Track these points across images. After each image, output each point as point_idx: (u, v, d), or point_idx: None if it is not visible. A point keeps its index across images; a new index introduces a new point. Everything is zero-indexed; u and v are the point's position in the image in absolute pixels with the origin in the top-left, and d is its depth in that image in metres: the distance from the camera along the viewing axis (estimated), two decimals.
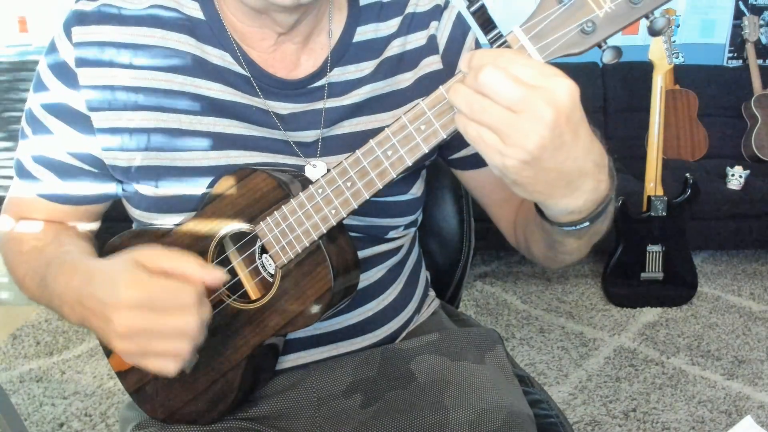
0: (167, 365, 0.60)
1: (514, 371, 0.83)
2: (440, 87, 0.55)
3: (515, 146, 0.49)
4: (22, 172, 0.78)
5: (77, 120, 0.73)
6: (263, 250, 0.68)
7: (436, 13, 0.81)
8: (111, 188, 0.78)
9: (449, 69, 0.80)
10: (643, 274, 2.50)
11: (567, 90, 0.48)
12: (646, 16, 0.51)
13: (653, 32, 0.51)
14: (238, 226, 0.68)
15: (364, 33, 0.79)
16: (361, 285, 0.78)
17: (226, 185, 0.69)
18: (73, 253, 0.72)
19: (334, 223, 0.63)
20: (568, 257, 0.71)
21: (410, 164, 0.58)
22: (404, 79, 0.80)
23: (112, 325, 0.58)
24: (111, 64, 0.72)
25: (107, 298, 0.59)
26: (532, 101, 0.48)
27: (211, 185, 0.73)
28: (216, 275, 0.61)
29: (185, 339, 0.59)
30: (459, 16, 0.82)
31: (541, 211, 0.62)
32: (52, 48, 0.74)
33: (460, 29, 0.81)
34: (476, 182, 0.86)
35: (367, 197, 0.61)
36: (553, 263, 0.75)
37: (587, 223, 0.60)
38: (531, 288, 2.72)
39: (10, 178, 0.80)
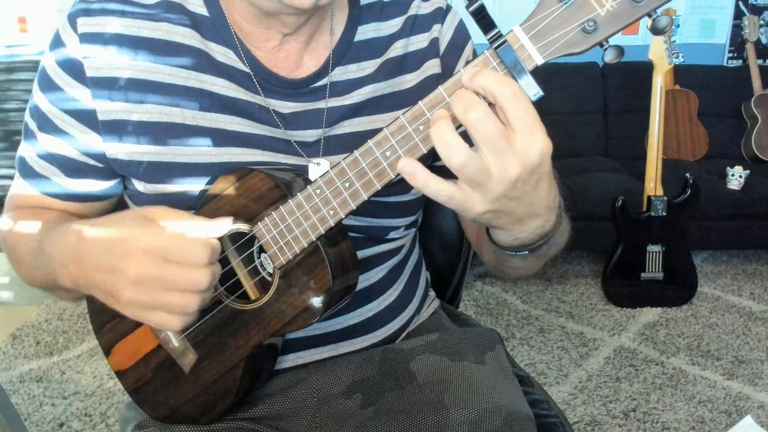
0: (172, 320, 0.59)
1: (514, 371, 0.83)
2: (439, 87, 0.54)
3: (478, 194, 0.52)
4: (25, 170, 0.77)
5: (83, 114, 0.73)
6: (262, 250, 0.68)
7: (438, 15, 0.81)
8: (116, 184, 0.78)
9: (447, 72, 0.81)
10: (643, 274, 2.50)
11: (539, 150, 0.50)
12: (649, 15, 0.50)
13: (656, 31, 0.50)
14: (237, 225, 0.68)
15: (366, 32, 0.79)
16: (361, 285, 0.78)
17: (224, 184, 0.69)
18: (71, 219, 0.71)
19: (333, 224, 0.62)
20: (514, 272, 0.76)
21: None
22: (407, 81, 0.80)
23: (122, 274, 0.57)
24: (116, 57, 0.72)
25: (117, 247, 0.58)
26: (505, 153, 0.50)
27: (209, 184, 0.72)
28: (220, 227, 0.62)
29: (195, 294, 0.58)
30: (461, 23, 0.83)
31: (488, 230, 0.66)
32: (57, 41, 0.73)
33: (461, 37, 0.82)
34: None
35: (366, 198, 0.60)
36: (503, 275, 0.80)
37: (526, 252, 0.64)
38: (531, 288, 2.72)
39: (8, 177, 0.80)
